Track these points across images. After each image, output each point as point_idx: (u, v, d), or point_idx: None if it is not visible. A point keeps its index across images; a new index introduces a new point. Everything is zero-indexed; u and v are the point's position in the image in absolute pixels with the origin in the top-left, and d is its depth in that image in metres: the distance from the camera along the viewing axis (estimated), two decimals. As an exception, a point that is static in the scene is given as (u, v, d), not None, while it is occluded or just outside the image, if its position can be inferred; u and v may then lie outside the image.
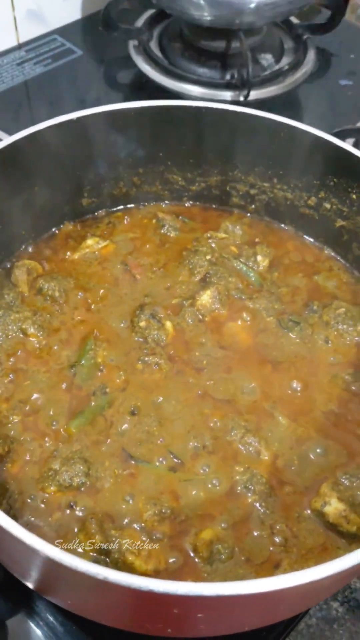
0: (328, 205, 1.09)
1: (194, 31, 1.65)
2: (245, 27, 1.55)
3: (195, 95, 1.62)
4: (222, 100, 1.61)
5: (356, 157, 0.99)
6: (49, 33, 1.85)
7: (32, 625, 0.91)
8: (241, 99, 1.60)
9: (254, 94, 1.61)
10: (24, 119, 1.62)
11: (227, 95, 1.62)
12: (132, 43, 1.72)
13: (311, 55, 1.75)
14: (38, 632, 0.90)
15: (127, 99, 1.72)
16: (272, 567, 0.80)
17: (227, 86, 1.63)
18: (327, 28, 1.76)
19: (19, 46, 1.80)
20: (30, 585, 0.78)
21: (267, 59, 1.74)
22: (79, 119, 1.02)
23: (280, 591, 0.60)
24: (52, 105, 1.66)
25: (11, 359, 0.97)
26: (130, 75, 1.75)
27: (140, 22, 1.76)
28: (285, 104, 1.69)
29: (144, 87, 1.69)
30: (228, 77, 1.66)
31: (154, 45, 1.74)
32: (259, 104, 1.60)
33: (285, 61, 1.73)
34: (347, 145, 0.99)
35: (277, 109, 1.65)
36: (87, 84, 1.76)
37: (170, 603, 0.61)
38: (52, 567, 0.62)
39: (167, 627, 0.71)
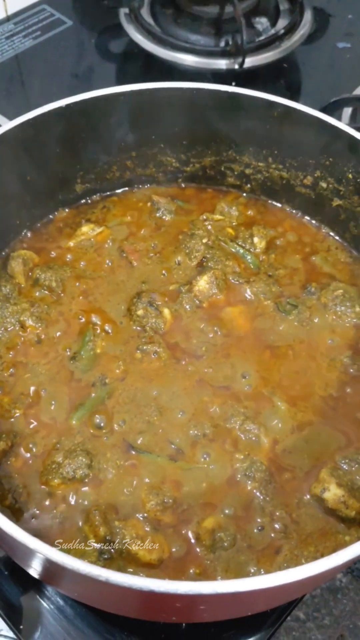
0: (324, 185, 1.08)
1: (186, -4, 1.61)
2: (239, -11, 1.51)
3: (189, 64, 1.59)
4: (217, 68, 1.57)
5: (351, 135, 0.97)
6: (38, 3, 1.81)
7: (42, 607, 0.94)
8: (236, 67, 1.56)
9: (250, 61, 1.57)
10: (17, 95, 1.60)
11: (222, 63, 1.58)
12: (123, 11, 1.68)
13: (308, 17, 1.70)
14: (48, 615, 0.93)
15: (120, 69, 1.69)
16: (273, 553, 0.82)
17: (222, 54, 1.60)
18: (323, -14, 1.71)
19: (7, 18, 1.75)
20: (38, 577, 0.80)
21: (262, 22, 1.69)
22: (68, 105, 1.00)
23: (279, 586, 0.62)
24: (45, 79, 1.63)
25: (11, 352, 0.97)
26: (122, 45, 1.71)
27: (130, -11, 1.70)
28: (282, 70, 1.65)
29: (137, 57, 1.65)
30: (222, 44, 1.62)
31: (145, 13, 1.69)
32: (255, 71, 1.57)
33: (281, 24, 1.68)
34: (341, 124, 0.97)
35: (274, 75, 1.63)
36: (79, 55, 1.73)
37: (172, 600, 0.63)
38: (56, 568, 0.64)
39: (171, 616, 0.74)
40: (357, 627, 0.98)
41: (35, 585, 0.94)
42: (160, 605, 0.67)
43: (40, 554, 0.62)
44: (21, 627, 0.92)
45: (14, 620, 0.93)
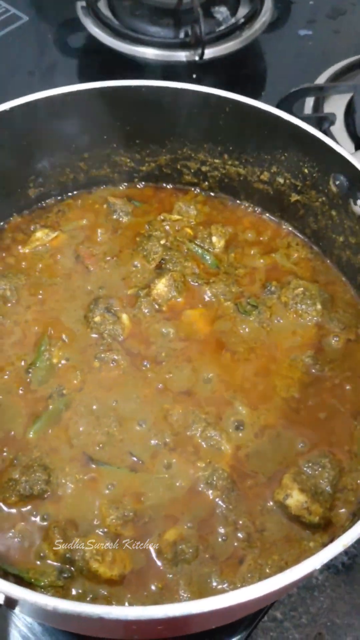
0: (281, 180, 1.06)
1: (143, -14, 1.58)
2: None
3: (150, 57, 1.56)
4: (177, 61, 1.55)
5: (303, 129, 0.95)
6: (-9, -1, 1.76)
7: (8, 625, 0.92)
8: (196, 58, 1.54)
9: (210, 52, 1.54)
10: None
11: (182, 55, 1.56)
12: (80, 4, 1.65)
13: (269, 4, 1.68)
14: (15, 633, 0.91)
15: (80, 64, 1.66)
16: (237, 563, 0.80)
17: (182, 45, 1.57)
18: (282, -27, 1.68)
19: None
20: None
21: (221, 12, 1.66)
22: (12, 109, 0.96)
23: (237, 605, 0.60)
24: (2, 78, 1.59)
25: (-36, 365, 0.95)
26: (81, 39, 1.69)
27: (85, -20, 1.67)
28: (244, 60, 1.63)
29: (97, 51, 1.62)
30: (182, 35, 1.59)
31: (102, 6, 1.66)
32: (217, 62, 1.54)
33: (241, 12, 1.66)
34: (294, 118, 0.95)
35: (236, 66, 1.60)
36: (38, 51, 1.69)
37: (127, 623, 0.61)
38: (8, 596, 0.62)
39: (132, 634, 0.72)
40: (334, 625, 0.97)
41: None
42: (117, 627, 0.66)
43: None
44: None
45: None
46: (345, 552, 1.01)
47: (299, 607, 0.98)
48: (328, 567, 1.01)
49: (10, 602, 0.71)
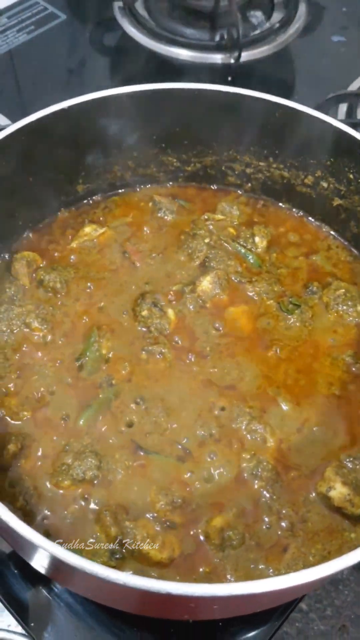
0: (325, 184, 1.09)
1: (181, -12, 1.61)
2: (234, -18, 1.51)
3: (184, 58, 1.59)
4: (212, 63, 1.58)
5: (351, 136, 0.98)
6: (31, -4, 1.79)
7: (51, 605, 0.95)
8: (232, 61, 1.57)
9: (245, 55, 1.58)
10: (10, 90, 1.60)
11: (218, 57, 1.59)
12: (117, 4, 1.68)
13: (302, 10, 1.71)
14: (58, 612, 0.94)
15: (114, 63, 1.69)
16: (281, 551, 0.83)
17: (217, 48, 1.60)
18: (317, -20, 1.71)
19: (0, 13, 1.74)
20: (49, 576, 0.82)
21: (257, 16, 1.70)
22: (70, 107, 1.00)
23: (292, 587, 0.63)
24: (39, 74, 1.63)
25: (17, 354, 0.98)
26: (116, 38, 1.71)
27: (124, -19, 1.70)
28: (278, 64, 1.66)
29: (131, 51, 1.65)
30: (218, 38, 1.62)
31: (139, 6, 1.69)
32: (251, 66, 1.57)
33: (276, 17, 1.69)
34: (343, 125, 0.98)
35: (269, 70, 1.63)
36: (73, 49, 1.73)
37: (187, 601, 0.65)
38: (69, 569, 0.65)
39: (183, 614, 0.75)
40: (358, 618, 1.00)
41: (45, 584, 0.95)
42: (173, 605, 0.69)
43: (50, 553, 0.63)
44: (32, 624, 0.94)
45: (25, 617, 0.94)
46: (370, 548, 1.04)
47: (324, 600, 1.02)
48: (353, 561, 1.04)
49: (65, 575, 0.74)
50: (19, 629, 0.96)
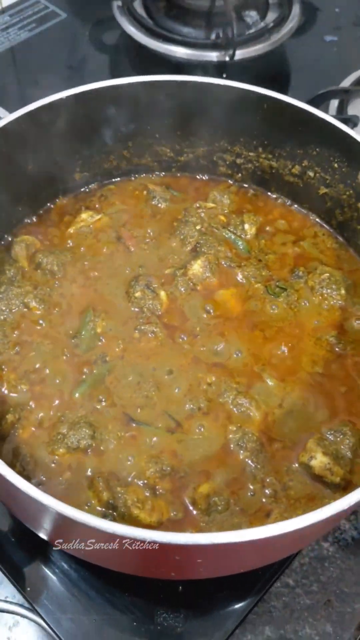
0: (312, 174, 1.14)
1: (178, -12, 1.66)
2: (229, -17, 1.56)
3: (181, 56, 1.64)
4: (208, 60, 1.63)
5: (336, 127, 1.03)
6: (32, -5, 1.85)
7: (47, 572, 1.00)
8: (227, 59, 1.62)
9: (240, 53, 1.62)
10: (12, 85, 1.64)
11: (213, 55, 1.63)
12: (116, 3, 1.73)
13: (296, 10, 1.76)
14: (54, 578, 0.99)
15: (113, 60, 1.74)
16: (264, 516, 0.88)
17: (213, 46, 1.65)
18: (311, -19, 1.76)
19: (3, 11, 1.79)
20: (45, 537, 0.86)
21: (251, 16, 1.74)
22: (68, 97, 1.05)
23: (270, 538, 0.68)
24: (39, 70, 1.68)
25: (15, 332, 1.03)
26: (115, 37, 1.76)
27: (123, -19, 1.75)
28: (271, 62, 1.71)
29: (130, 49, 1.71)
30: (213, 36, 1.67)
31: (138, 5, 1.74)
32: (245, 64, 1.62)
33: (270, 17, 1.74)
34: (328, 116, 1.03)
35: (264, 67, 1.68)
36: (73, 47, 1.77)
37: (172, 551, 0.69)
38: (67, 523, 0.70)
39: (170, 571, 0.80)
40: (343, 593, 1.03)
41: (42, 552, 1.00)
42: (160, 558, 0.74)
43: (55, 511, 0.68)
44: (28, 589, 0.98)
45: (22, 584, 0.99)
46: (355, 527, 1.09)
47: (310, 576, 1.05)
48: (338, 540, 1.09)
49: (63, 533, 0.79)
50: (16, 600, 1.01)
